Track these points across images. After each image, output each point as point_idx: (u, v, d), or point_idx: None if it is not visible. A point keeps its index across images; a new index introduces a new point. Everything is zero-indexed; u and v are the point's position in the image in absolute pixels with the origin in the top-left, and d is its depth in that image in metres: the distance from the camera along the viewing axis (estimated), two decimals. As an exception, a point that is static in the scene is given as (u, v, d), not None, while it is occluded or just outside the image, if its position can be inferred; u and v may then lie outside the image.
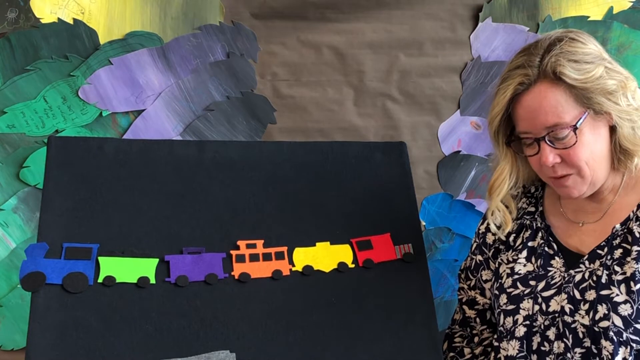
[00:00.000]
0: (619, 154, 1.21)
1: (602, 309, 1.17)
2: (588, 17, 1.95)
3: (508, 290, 1.29)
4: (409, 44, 1.92)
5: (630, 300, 1.15)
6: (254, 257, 1.31)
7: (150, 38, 1.82)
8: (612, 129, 1.20)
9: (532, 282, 1.27)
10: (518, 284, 1.28)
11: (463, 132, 1.95)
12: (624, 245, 1.20)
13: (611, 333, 1.15)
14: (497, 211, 1.32)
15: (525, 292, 1.27)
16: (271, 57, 1.88)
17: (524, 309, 1.26)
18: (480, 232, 1.43)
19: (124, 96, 1.81)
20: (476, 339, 1.44)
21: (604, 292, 1.17)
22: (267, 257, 1.32)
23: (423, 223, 1.92)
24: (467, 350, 1.43)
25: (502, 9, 1.94)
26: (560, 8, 1.96)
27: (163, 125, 1.83)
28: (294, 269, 1.33)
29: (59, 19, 1.77)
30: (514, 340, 1.26)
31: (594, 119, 1.18)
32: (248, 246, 1.32)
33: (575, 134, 1.16)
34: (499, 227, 1.35)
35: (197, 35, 1.84)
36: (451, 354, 1.44)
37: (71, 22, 1.78)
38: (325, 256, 1.35)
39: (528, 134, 1.21)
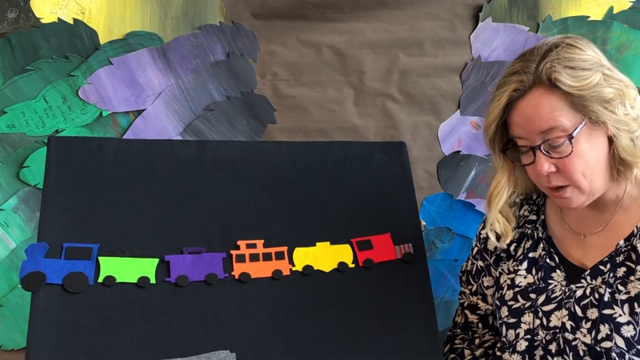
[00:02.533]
0: (618, 164, 1.17)
1: (604, 329, 1.15)
2: (588, 17, 1.95)
3: (509, 303, 1.28)
4: (409, 44, 1.92)
5: (633, 322, 1.13)
6: (254, 257, 1.31)
7: (150, 38, 1.82)
8: (611, 139, 1.16)
9: (533, 295, 1.25)
10: (518, 297, 1.27)
11: (463, 132, 1.95)
12: (628, 263, 1.17)
13: (614, 354, 1.13)
14: (497, 222, 1.29)
15: (526, 306, 1.25)
16: (271, 57, 1.88)
17: (525, 323, 1.24)
18: (482, 237, 1.41)
19: (124, 96, 1.81)
20: (477, 341, 1.44)
21: (606, 312, 1.15)
22: (267, 257, 1.32)
23: (423, 223, 1.92)
24: (467, 352, 1.43)
25: (502, 8, 1.94)
26: (560, 8, 1.96)
27: (163, 125, 1.83)
28: (294, 268, 1.33)
29: (59, 18, 1.77)
30: (516, 354, 1.24)
31: (591, 129, 1.14)
32: (248, 246, 1.32)
33: (571, 143, 1.12)
34: (498, 238, 1.32)
35: (197, 35, 1.84)
36: (452, 356, 1.43)
37: (71, 22, 1.78)
38: (325, 256, 1.35)
39: (523, 140, 1.18)
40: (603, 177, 1.18)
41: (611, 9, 1.96)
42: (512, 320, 1.26)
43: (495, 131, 1.21)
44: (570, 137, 1.13)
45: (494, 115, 1.19)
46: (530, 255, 1.29)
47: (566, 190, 1.17)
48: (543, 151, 1.15)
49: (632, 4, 1.96)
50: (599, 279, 1.19)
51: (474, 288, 1.43)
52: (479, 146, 1.95)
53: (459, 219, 1.95)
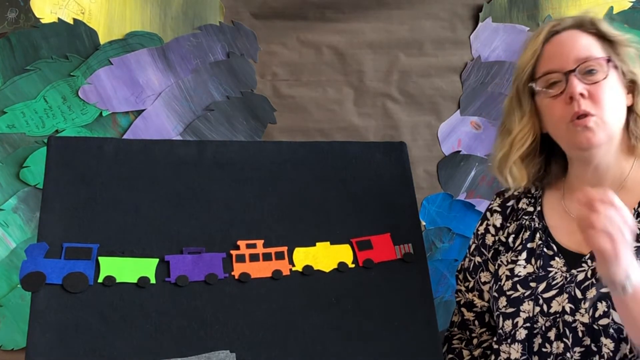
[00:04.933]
0: (633, 138, 1.24)
1: (601, 307, 1.16)
2: (588, 17, 1.95)
3: (508, 293, 1.29)
4: (409, 44, 1.92)
5: None
6: (254, 257, 1.31)
7: (150, 38, 1.82)
8: (629, 109, 1.24)
9: (533, 284, 1.26)
10: (518, 286, 1.28)
11: (463, 132, 1.95)
12: None
13: (611, 330, 1.15)
14: (514, 167, 1.31)
15: (526, 294, 1.26)
16: (271, 57, 1.88)
17: (524, 311, 1.25)
18: (479, 232, 1.43)
19: (124, 96, 1.81)
20: (475, 341, 1.44)
21: (604, 290, 1.17)
22: (267, 257, 1.32)
23: (423, 223, 1.92)
24: (465, 352, 1.43)
25: (502, 9, 1.94)
26: (560, 8, 1.96)
27: (163, 125, 1.83)
28: (294, 268, 1.33)
29: (59, 19, 1.77)
30: (516, 343, 1.25)
31: (621, 80, 1.23)
32: (248, 246, 1.32)
33: (607, 67, 1.20)
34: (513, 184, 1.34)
35: (197, 35, 1.84)
36: (450, 356, 1.43)
37: (71, 22, 1.78)
38: (325, 256, 1.35)
39: (554, 74, 1.22)
40: (621, 123, 1.23)
41: (611, 9, 1.96)
42: (510, 310, 1.27)
43: (532, 68, 1.26)
44: (608, 60, 1.21)
45: (533, 49, 1.26)
46: (529, 245, 1.31)
47: (590, 119, 1.20)
48: (577, 75, 1.20)
49: (632, 4, 1.96)
50: None
51: (471, 285, 1.43)
52: (479, 146, 1.95)
53: (459, 219, 1.95)
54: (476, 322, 1.44)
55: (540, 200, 1.36)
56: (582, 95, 1.19)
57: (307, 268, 1.33)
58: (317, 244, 1.36)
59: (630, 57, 1.24)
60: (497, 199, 1.44)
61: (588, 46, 1.22)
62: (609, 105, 1.20)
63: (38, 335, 1.15)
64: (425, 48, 1.92)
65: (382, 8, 1.90)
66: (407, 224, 1.44)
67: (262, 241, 1.33)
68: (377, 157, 1.49)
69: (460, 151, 1.95)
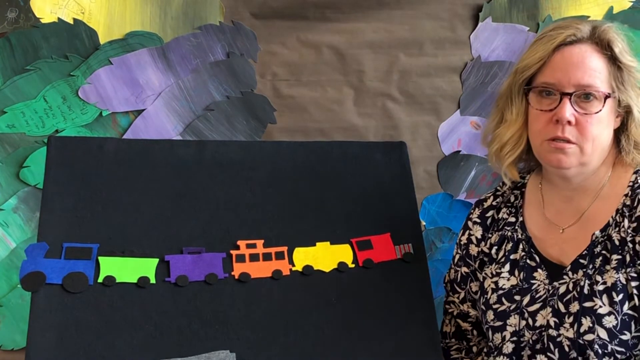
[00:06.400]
0: (625, 154, 1.22)
1: (586, 322, 1.15)
2: (588, 17, 1.95)
3: (494, 307, 1.28)
4: (409, 44, 1.92)
5: (614, 312, 1.14)
6: (254, 257, 1.31)
7: (150, 38, 1.82)
8: (618, 130, 1.22)
9: (517, 297, 1.25)
10: (503, 299, 1.27)
11: (463, 132, 1.95)
12: (604, 252, 1.19)
13: (596, 346, 1.14)
14: (507, 169, 1.29)
15: (512, 308, 1.25)
16: (271, 57, 1.88)
17: (510, 325, 1.24)
18: (462, 243, 1.41)
19: (124, 96, 1.81)
20: (475, 349, 1.43)
21: (587, 304, 1.16)
22: (267, 257, 1.32)
23: (423, 223, 1.92)
24: None
25: (502, 8, 1.94)
26: (560, 8, 1.95)
27: (163, 125, 1.83)
28: (294, 268, 1.33)
29: (59, 18, 1.77)
30: (502, 356, 1.24)
31: (614, 108, 1.20)
32: (248, 246, 1.32)
33: (604, 103, 1.16)
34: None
35: (197, 35, 1.84)
36: None
37: (71, 22, 1.78)
38: (325, 256, 1.35)
39: (553, 86, 1.19)
40: (602, 156, 1.22)
41: (611, 8, 1.96)
42: (498, 324, 1.26)
43: (534, 71, 1.21)
44: (607, 97, 1.17)
45: (540, 54, 1.20)
46: (512, 257, 1.29)
47: (570, 146, 1.18)
48: (572, 100, 1.17)
49: (632, 4, 1.96)
50: (580, 272, 1.20)
51: (462, 295, 1.41)
52: (479, 146, 1.94)
53: (459, 219, 1.95)
54: (474, 332, 1.43)
55: (521, 210, 1.34)
56: (569, 122, 1.16)
57: (307, 268, 1.33)
58: (317, 244, 1.36)
59: (632, 85, 1.19)
60: (477, 209, 1.41)
61: (594, 73, 1.17)
62: (593, 137, 1.18)
63: (38, 335, 1.15)
64: (425, 48, 1.92)
65: (382, 8, 1.90)
66: (407, 224, 1.44)
67: (262, 241, 1.33)
68: (377, 157, 1.49)
69: (460, 151, 1.95)
